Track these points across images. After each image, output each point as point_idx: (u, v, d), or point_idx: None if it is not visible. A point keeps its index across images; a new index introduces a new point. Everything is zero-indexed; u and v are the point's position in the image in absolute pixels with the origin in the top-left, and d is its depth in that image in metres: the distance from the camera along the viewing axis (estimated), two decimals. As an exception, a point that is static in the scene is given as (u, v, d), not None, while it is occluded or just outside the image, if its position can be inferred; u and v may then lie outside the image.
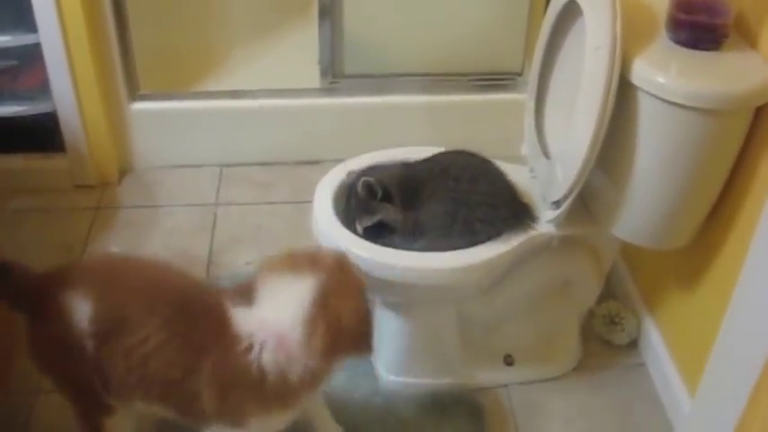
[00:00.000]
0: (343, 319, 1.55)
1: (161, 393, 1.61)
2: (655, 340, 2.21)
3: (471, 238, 1.91)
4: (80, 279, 1.64)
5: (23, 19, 2.54)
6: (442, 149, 2.08)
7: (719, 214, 1.88)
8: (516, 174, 2.08)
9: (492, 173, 1.99)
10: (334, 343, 1.55)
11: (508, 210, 1.93)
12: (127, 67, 2.80)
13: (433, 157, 2.05)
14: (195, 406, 1.58)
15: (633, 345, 2.30)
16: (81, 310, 1.58)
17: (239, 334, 1.54)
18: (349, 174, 2.02)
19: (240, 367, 1.53)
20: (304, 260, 1.60)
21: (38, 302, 1.63)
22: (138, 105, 2.87)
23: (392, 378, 2.17)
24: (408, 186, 1.97)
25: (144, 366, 1.57)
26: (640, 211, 1.87)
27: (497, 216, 1.91)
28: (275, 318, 1.55)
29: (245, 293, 1.59)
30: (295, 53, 3.15)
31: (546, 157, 2.02)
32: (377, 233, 1.95)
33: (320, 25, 2.79)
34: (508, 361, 2.21)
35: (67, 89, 2.66)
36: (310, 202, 2.05)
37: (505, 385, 2.20)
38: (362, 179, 1.93)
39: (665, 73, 1.68)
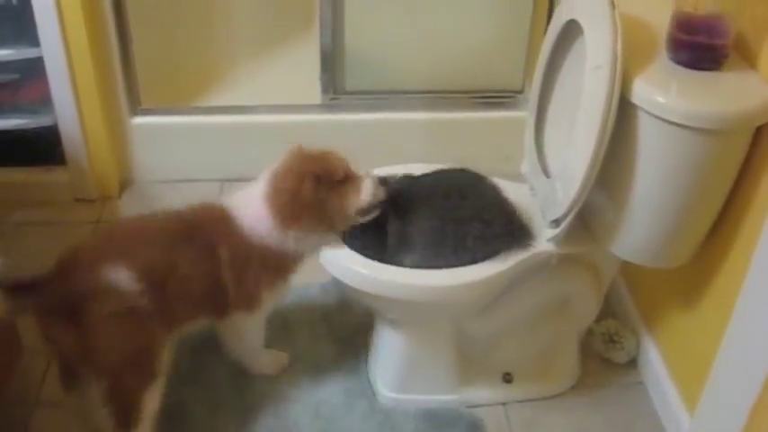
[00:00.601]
0: (286, 184, 1.87)
1: (205, 305, 1.92)
2: (654, 359, 2.21)
3: (465, 254, 1.90)
4: (106, 255, 1.80)
5: (26, 33, 2.55)
6: (441, 167, 2.08)
7: (719, 233, 1.88)
8: (516, 192, 2.09)
9: (486, 189, 1.99)
10: (285, 212, 1.87)
11: (503, 227, 1.93)
12: (128, 81, 2.81)
13: (427, 174, 2.05)
14: (226, 302, 1.92)
15: (632, 363, 2.30)
16: (121, 277, 1.75)
17: (237, 224, 1.89)
18: None
19: (246, 247, 1.88)
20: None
21: (77, 298, 1.74)
22: (140, 119, 2.88)
23: (390, 395, 2.16)
24: (403, 199, 1.97)
25: (188, 290, 1.86)
26: (640, 230, 1.87)
27: (491, 233, 1.91)
28: (250, 195, 1.92)
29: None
30: (296, 69, 3.16)
31: (546, 175, 2.02)
32: (366, 241, 1.95)
33: (321, 42, 2.80)
34: (507, 378, 2.20)
35: (69, 103, 2.67)
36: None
37: (504, 403, 2.20)
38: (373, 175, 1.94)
39: (666, 93, 1.69)
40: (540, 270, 2.00)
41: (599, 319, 2.26)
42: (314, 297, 2.48)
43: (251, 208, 1.90)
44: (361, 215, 1.93)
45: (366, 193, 1.91)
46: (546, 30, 2.07)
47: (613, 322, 2.32)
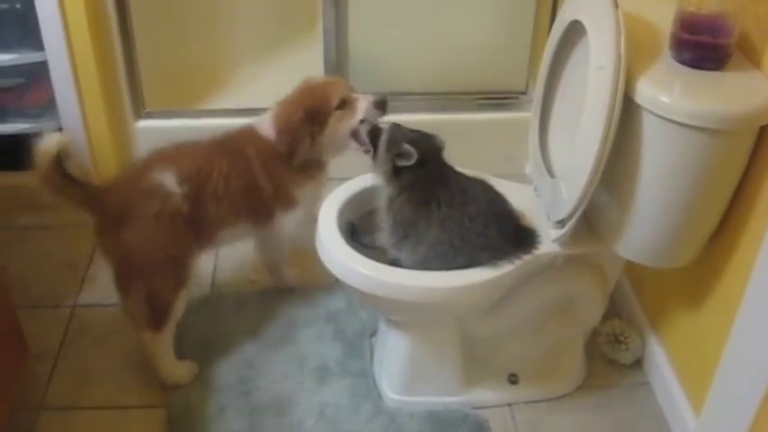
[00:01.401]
0: (282, 114, 2.17)
1: (244, 207, 2.16)
2: (659, 359, 2.21)
3: (466, 259, 1.91)
4: (157, 162, 2.08)
5: (30, 37, 2.56)
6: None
7: (724, 233, 1.88)
8: (520, 193, 2.09)
9: (488, 194, 1.99)
10: (281, 137, 2.15)
11: (504, 234, 1.93)
12: (133, 84, 2.82)
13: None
14: (261, 202, 2.17)
15: (638, 364, 2.30)
16: (169, 180, 2.02)
17: (260, 134, 2.19)
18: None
19: (274, 153, 2.16)
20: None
21: (125, 202, 2.01)
22: (144, 123, 2.88)
23: (396, 397, 2.16)
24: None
25: (228, 190, 2.10)
26: (645, 231, 1.87)
27: (493, 240, 1.91)
28: (266, 121, 2.21)
29: None
30: (300, 71, 3.15)
31: (550, 175, 2.02)
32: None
33: (325, 44, 2.80)
34: (512, 380, 2.20)
35: (73, 107, 2.67)
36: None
37: (510, 404, 2.20)
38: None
39: (669, 92, 1.69)
40: (545, 271, 2.00)
41: (604, 320, 2.25)
42: (319, 298, 2.48)
43: (266, 125, 2.19)
44: (360, 139, 2.14)
45: (360, 112, 2.15)
46: (549, 31, 2.07)
47: (619, 323, 2.32)
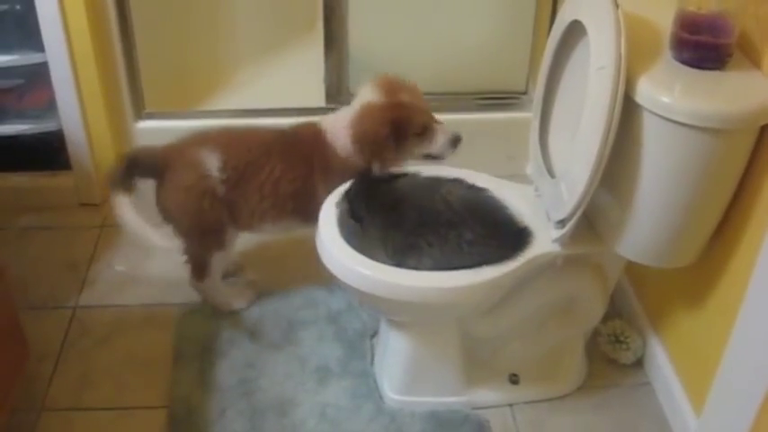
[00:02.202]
0: (367, 126, 2.16)
1: (291, 207, 2.23)
2: (660, 359, 2.21)
3: (457, 259, 1.92)
4: (207, 143, 2.19)
5: (30, 38, 2.56)
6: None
7: (725, 233, 1.88)
8: (520, 193, 2.09)
9: (482, 197, 2.00)
10: (363, 149, 2.17)
11: (493, 237, 1.94)
12: (133, 85, 2.82)
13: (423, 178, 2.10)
14: (312, 205, 2.15)
15: (639, 364, 2.30)
16: (212, 163, 2.15)
17: (329, 141, 2.21)
18: None
19: (333, 159, 2.20)
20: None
21: (172, 163, 2.18)
22: (144, 124, 2.89)
23: (396, 397, 2.16)
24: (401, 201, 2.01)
25: (276, 191, 2.19)
26: (645, 230, 1.87)
27: (482, 242, 1.93)
28: (340, 123, 2.22)
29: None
30: (300, 72, 3.17)
31: (551, 176, 2.02)
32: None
33: (325, 45, 2.81)
34: (513, 380, 2.20)
35: (74, 108, 2.67)
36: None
37: (510, 404, 2.20)
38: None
39: (670, 92, 1.69)
40: (546, 271, 2.00)
41: (605, 320, 2.25)
42: (320, 299, 2.48)
43: (339, 133, 2.20)
44: (429, 158, 2.20)
45: (438, 147, 2.20)
46: (549, 31, 2.07)
47: (619, 323, 2.32)
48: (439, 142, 2.19)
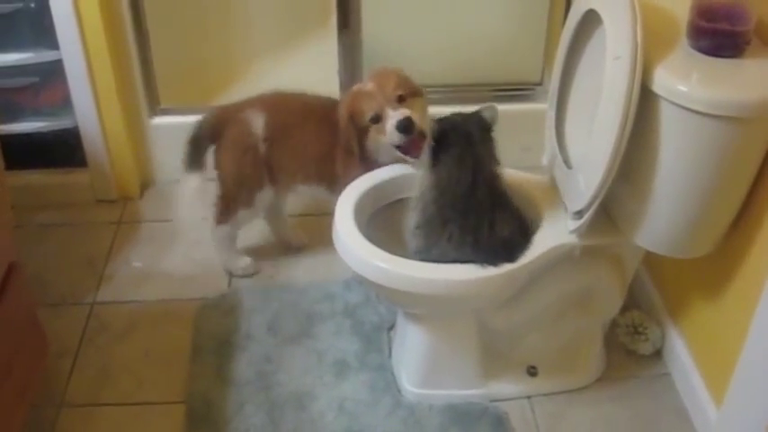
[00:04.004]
0: (341, 113, 2.25)
1: (314, 170, 2.36)
2: (679, 349, 2.20)
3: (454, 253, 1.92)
4: (255, 104, 2.36)
5: (45, 36, 2.56)
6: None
7: (743, 222, 1.86)
8: (537, 184, 2.08)
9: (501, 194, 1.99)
10: (342, 122, 2.24)
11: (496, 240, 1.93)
12: (147, 81, 2.82)
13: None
14: (332, 171, 2.32)
15: (657, 354, 2.29)
16: (257, 122, 2.32)
17: None
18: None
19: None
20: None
21: (226, 122, 2.37)
22: (159, 120, 2.89)
23: (415, 390, 2.16)
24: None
25: (304, 153, 2.34)
26: (663, 220, 1.86)
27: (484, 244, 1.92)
28: None
29: None
30: (314, 65, 3.16)
31: (567, 166, 2.01)
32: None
33: (339, 38, 2.80)
34: (531, 372, 2.20)
35: (89, 105, 2.68)
36: (332, 213, 2.06)
37: (529, 397, 2.19)
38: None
39: (687, 81, 1.67)
40: (563, 262, 1.99)
41: (623, 311, 2.24)
42: (337, 293, 2.48)
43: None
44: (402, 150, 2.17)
45: (388, 134, 2.16)
46: (564, 21, 2.06)
47: (638, 313, 2.31)
48: (388, 129, 2.16)
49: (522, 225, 1.97)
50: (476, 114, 1.94)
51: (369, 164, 2.23)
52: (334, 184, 2.31)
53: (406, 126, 2.13)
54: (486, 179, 1.92)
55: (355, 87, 2.28)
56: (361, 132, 2.21)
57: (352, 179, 2.17)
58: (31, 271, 2.17)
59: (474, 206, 1.91)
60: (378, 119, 2.17)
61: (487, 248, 1.90)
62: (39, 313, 2.10)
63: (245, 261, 2.58)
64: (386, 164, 2.22)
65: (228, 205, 2.45)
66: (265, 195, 2.42)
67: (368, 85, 2.22)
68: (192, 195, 2.40)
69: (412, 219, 1.95)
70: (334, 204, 2.09)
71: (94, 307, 2.46)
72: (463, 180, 1.90)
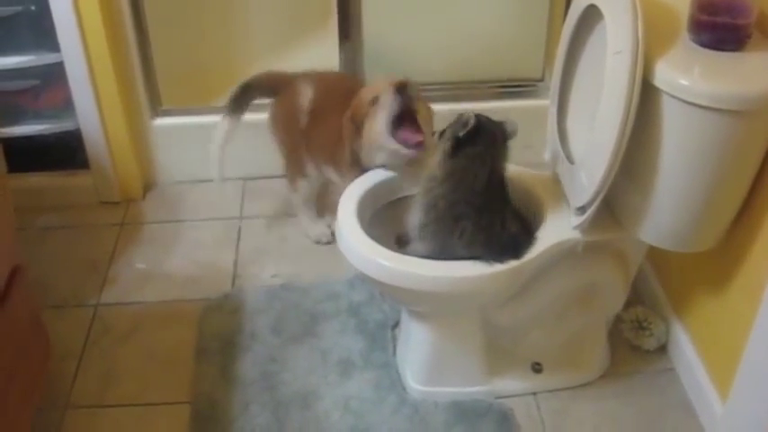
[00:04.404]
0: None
1: (329, 152, 2.38)
2: (684, 344, 2.19)
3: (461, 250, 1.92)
4: (309, 77, 2.48)
5: (46, 38, 2.57)
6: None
7: (747, 216, 1.86)
8: (539, 181, 2.08)
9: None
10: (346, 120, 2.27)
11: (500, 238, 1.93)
12: (149, 83, 2.82)
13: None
14: (342, 156, 2.30)
15: (662, 350, 2.28)
16: (306, 96, 2.43)
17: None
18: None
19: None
20: None
21: (280, 87, 2.52)
22: (161, 121, 2.89)
23: (419, 388, 2.16)
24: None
25: (326, 132, 2.37)
26: (666, 215, 1.85)
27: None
28: None
29: None
30: (315, 65, 3.16)
31: (570, 162, 2.01)
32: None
33: (340, 38, 2.80)
34: (536, 368, 2.19)
35: (90, 107, 2.68)
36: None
37: (534, 393, 2.19)
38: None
39: (688, 75, 1.67)
40: (567, 258, 1.99)
41: (627, 306, 2.24)
42: (341, 292, 2.48)
43: None
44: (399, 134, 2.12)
45: (389, 105, 2.10)
46: (565, 16, 2.06)
47: (642, 309, 2.31)
48: (383, 100, 2.10)
49: (524, 223, 1.98)
50: (500, 123, 1.94)
51: (361, 168, 2.21)
52: (340, 170, 2.36)
53: (401, 86, 2.07)
54: (498, 180, 1.93)
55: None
56: (359, 130, 2.17)
57: (349, 178, 2.19)
58: (35, 273, 2.17)
59: (488, 203, 1.91)
60: (376, 100, 2.12)
61: (498, 246, 1.90)
62: (43, 316, 2.11)
63: (320, 229, 2.68)
64: (380, 166, 2.18)
65: (289, 173, 2.60)
66: (311, 168, 2.51)
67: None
68: (222, 137, 2.55)
69: (416, 217, 1.95)
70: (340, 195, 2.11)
71: (98, 309, 2.46)
72: (480, 176, 1.89)
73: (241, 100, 2.53)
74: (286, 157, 2.60)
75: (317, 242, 2.69)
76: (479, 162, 1.89)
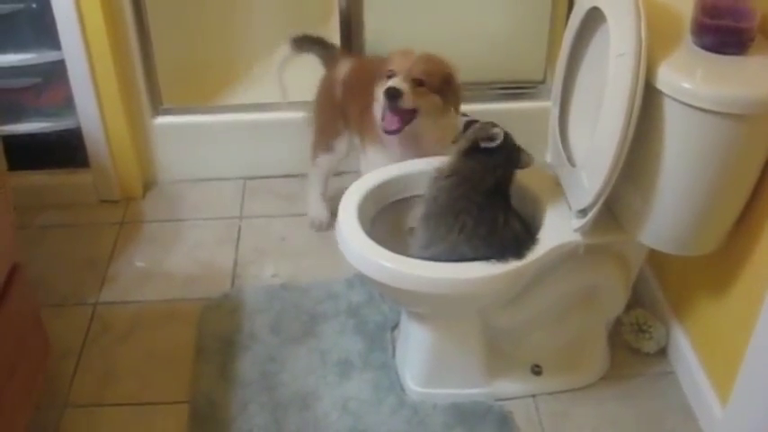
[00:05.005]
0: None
1: (357, 124, 2.50)
2: (684, 348, 2.19)
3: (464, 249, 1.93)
4: (351, 55, 2.69)
5: (47, 36, 2.56)
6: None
7: (748, 220, 1.86)
8: (540, 183, 2.07)
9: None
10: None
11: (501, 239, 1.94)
12: (150, 82, 2.82)
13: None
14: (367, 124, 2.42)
15: (662, 353, 2.28)
16: (343, 70, 2.57)
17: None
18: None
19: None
20: None
21: (333, 62, 2.67)
22: (162, 120, 2.89)
23: (419, 389, 2.16)
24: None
25: (357, 104, 2.46)
26: (667, 218, 1.85)
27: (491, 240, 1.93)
28: None
29: None
30: (316, 65, 3.15)
31: (571, 164, 2.01)
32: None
33: (341, 37, 2.80)
34: (536, 371, 2.19)
35: (91, 105, 2.68)
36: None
37: (533, 395, 2.19)
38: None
39: (691, 78, 1.67)
40: (567, 261, 1.99)
41: (627, 309, 2.24)
42: (340, 292, 2.48)
43: None
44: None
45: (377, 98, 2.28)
46: (567, 18, 2.06)
47: (642, 312, 2.30)
48: (380, 95, 2.25)
49: (525, 224, 1.97)
50: (520, 148, 1.98)
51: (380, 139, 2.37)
52: (367, 131, 2.44)
53: (389, 93, 2.21)
54: (501, 190, 1.96)
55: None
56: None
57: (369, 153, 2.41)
58: (34, 272, 2.17)
59: (490, 202, 1.92)
60: (392, 74, 2.26)
61: (499, 242, 1.90)
62: (42, 314, 2.10)
63: (320, 210, 2.75)
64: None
65: (314, 147, 2.68)
66: (342, 143, 2.61)
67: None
68: (281, 64, 2.71)
69: (420, 209, 1.96)
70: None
71: (98, 307, 2.46)
72: (486, 181, 1.93)
73: (303, 42, 2.68)
74: (317, 131, 2.68)
75: (312, 224, 2.74)
76: (489, 170, 1.93)
